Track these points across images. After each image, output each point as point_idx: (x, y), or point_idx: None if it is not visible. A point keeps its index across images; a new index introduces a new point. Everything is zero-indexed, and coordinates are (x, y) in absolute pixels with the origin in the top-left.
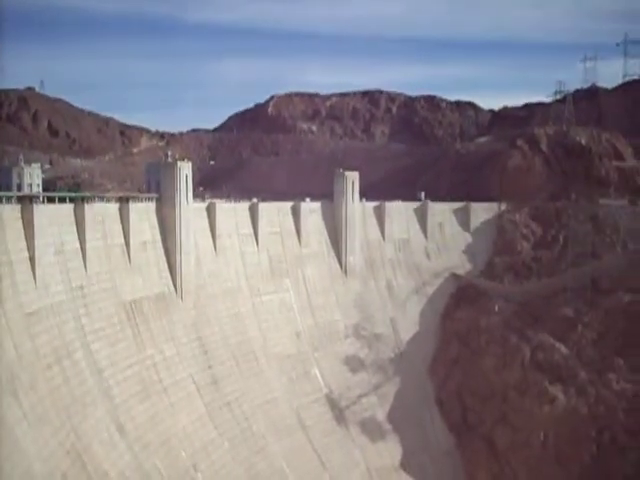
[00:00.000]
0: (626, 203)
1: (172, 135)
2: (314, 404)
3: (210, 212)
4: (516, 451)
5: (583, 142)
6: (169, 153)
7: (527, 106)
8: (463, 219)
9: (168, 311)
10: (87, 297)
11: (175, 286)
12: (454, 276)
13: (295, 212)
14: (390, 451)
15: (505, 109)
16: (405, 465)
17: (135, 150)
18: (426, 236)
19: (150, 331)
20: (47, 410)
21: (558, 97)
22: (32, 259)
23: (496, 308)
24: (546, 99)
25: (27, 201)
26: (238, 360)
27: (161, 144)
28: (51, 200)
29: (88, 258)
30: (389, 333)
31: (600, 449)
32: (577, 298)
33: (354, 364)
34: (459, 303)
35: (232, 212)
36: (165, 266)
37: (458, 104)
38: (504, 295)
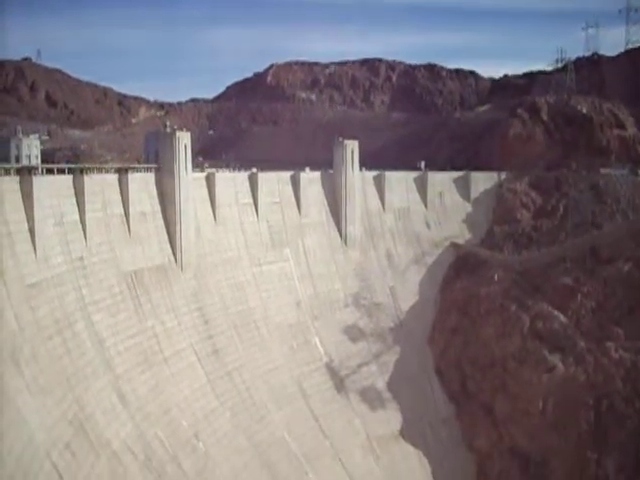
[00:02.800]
0: (627, 172)
1: (171, 105)
2: (314, 373)
3: (209, 182)
4: (515, 419)
5: (584, 111)
6: (168, 123)
7: (528, 75)
8: (463, 188)
9: (168, 282)
10: (87, 268)
11: (175, 257)
12: (454, 245)
13: (295, 182)
14: (390, 419)
15: (506, 78)
16: (405, 433)
17: (134, 120)
18: (426, 206)
19: (151, 302)
20: (49, 380)
21: (559, 65)
22: (32, 231)
23: (495, 277)
24: (547, 67)
25: (26, 173)
26: (239, 330)
27: (160, 114)
28: (50, 172)
29: (88, 229)
30: (389, 302)
31: (598, 417)
32: (577, 267)
33: (354, 333)
34: (459, 272)
35: (231, 182)
36: (165, 237)
37: (458, 73)
38: (504, 264)
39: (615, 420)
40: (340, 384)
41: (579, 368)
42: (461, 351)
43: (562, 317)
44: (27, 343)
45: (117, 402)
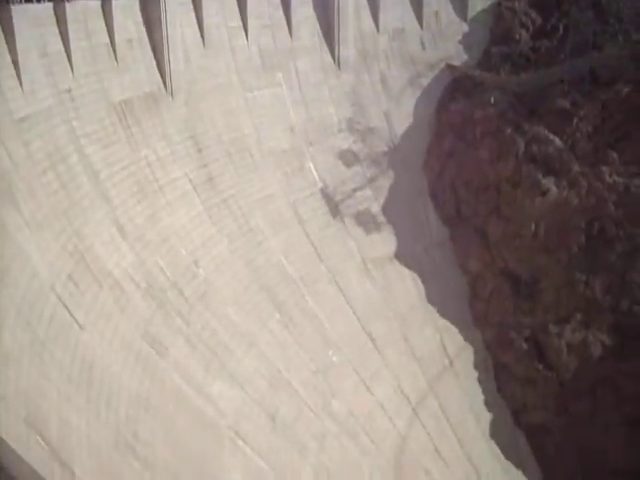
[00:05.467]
0: None
1: None
2: (309, 198)
3: (196, 4)
4: (507, 241)
5: None
6: None
7: None
8: (460, 7)
9: (159, 110)
10: (76, 100)
11: (165, 84)
12: (450, 67)
13: (285, 3)
14: (385, 243)
15: None
16: (399, 256)
17: None
18: (421, 25)
19: (142, 132)
20: (47, 215)
21: None
22: (16, 63)
23: (492, 100)
24: None
25: (3, 1)
26: (233, 157)
27: None
28: (29, 0)
29: (73, 60)
30: (383, 126)
31: (589, 240)
32: (575, 90)
33: (348, 158)
34: (454, 95)
35: (219, 3)
36: (153, 63)
37: None
38: (500, 86)
39: (605, 243)
40: (335, 209)
41: (572, 192)
42: (456, 175)
43: (557, 141)
44: (22, 179)
45: (116, 233)
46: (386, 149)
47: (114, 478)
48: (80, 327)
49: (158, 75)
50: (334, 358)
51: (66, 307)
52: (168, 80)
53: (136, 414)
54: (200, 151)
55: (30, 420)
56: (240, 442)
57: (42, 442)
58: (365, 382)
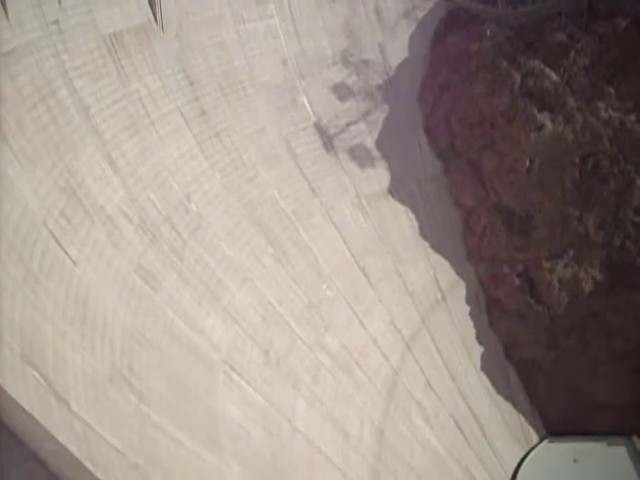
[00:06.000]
0: None
1: None
2: (303, 132)
3: None
4: (501, 176)
5: None
6: None
7: None
8: None
9: (150, 43)
10: (65, 32)
11: (155, 16)
12: None
13: None
14: (379, 178)
15: None
16: (393, 191)
17: None
18: None
19: (133, 65)
20: (37, 150)
21: None
22: None
23: (488, 33)
24: None
25: None
26: (225, 91)
27: None
28: None
29: None
30: (377, 59)
31: (583, 176)
32: (572, 23)
33: (342, 91)
34: (450, 27)
35: None
36: None
37: None
38: (497, 19)
39: (599, 179)
40: (329, 143)
41: (567, 127)
42: (450, 108)
43: (554, 75)
44: (11, 114)
45: (107, 167)
46: (380, 82)
47: (110, 411)
48: (73, 262)
49: (148, 7)
50: (328, 292)
51: (59, 243)
52: (159, 12)
53: (131, 348)
54: (192, 84)
55: (26, 355)
56: (235, 375)
57: (38, 377)
58: (358, 316)
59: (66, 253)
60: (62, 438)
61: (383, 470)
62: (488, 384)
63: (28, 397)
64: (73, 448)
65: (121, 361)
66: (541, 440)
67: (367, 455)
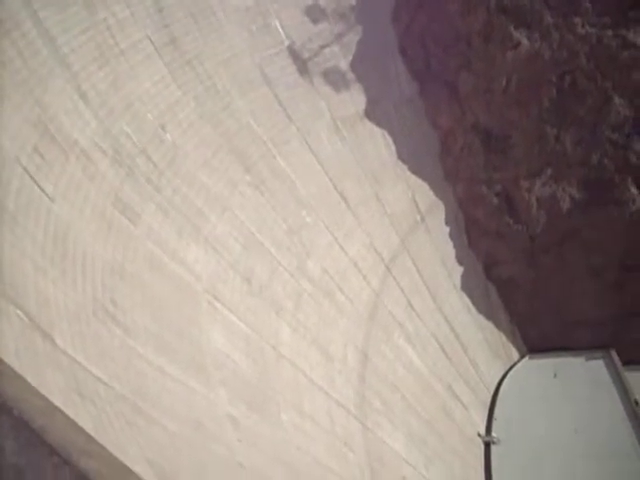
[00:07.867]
0: None
1: None
2: (276, 57)
3: None
4: (478, 96)
5: None
6: None
7: None
8: None
9: None
10: None
11: None
12: None
13: None
14: (354, 101)
15: None
16: (369, 114)
17: None
18: None
19: None
20: (5, 85)
21: None
22: None
23: None
24: None
25: None
26: (196, 17)
27: None
28: None
29: None
30: None
31: (560, 93)
32: None
33: (315, 14)
34: None
35: None
36: None
37: None
38: None
39: (576, 97)
40: (303, 67)
41: (544, 44)
42: (425, 28)
43: None
44: None
45: (78, 100)
46: (353, 3)
47: (96, 345)
48: (50, 199)
49: None
50: (307, 219)
51: (34, 179)
52: None
53: (113, 283)
54: (161, 11)
55: (7, 293)
56: (218, 304)
57: (22, 315)
58: (338, 241)
59: (42, 190)
60: (49, 376)
61: (367, 391)
62: (469, 303)
63: (14, 337)
64: (60, 382)
65: (103, 295)
66: (522, 357)
67: (351, 377)
